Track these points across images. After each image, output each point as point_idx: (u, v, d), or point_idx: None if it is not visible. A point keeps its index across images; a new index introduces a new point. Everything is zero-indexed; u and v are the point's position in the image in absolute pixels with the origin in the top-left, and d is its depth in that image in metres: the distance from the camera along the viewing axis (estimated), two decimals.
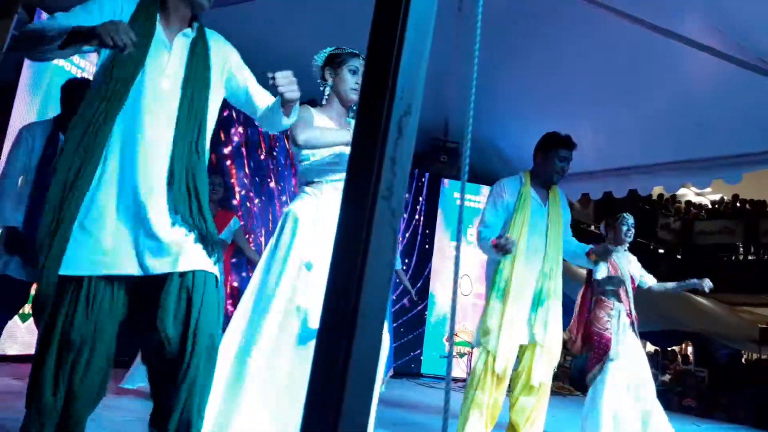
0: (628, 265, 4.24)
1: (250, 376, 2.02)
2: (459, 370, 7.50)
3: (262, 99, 2.02)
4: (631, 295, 4.14)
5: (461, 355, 7.53)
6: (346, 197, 0.86)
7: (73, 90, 3.22)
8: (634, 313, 4.09)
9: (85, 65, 4.59)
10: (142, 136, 1.75)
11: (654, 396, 3.96)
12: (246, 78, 2.01)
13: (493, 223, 3.25)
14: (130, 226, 1.73)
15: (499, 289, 3.15)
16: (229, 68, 1.99)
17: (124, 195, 1.75)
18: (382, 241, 0.84)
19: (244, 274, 5.84)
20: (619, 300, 4.08)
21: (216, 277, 1.82)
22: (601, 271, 4.03)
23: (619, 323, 4.02)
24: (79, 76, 4.49)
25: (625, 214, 4.29)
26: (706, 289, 4.15)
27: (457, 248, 0.98)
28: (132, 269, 1.72)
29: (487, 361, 3.08)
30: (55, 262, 1.66)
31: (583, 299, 4.18)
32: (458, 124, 6.94)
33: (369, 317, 0.84)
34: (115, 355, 1.80)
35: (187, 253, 1.76)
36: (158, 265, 1.73)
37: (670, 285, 4.49)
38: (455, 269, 0.96)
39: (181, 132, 1.80)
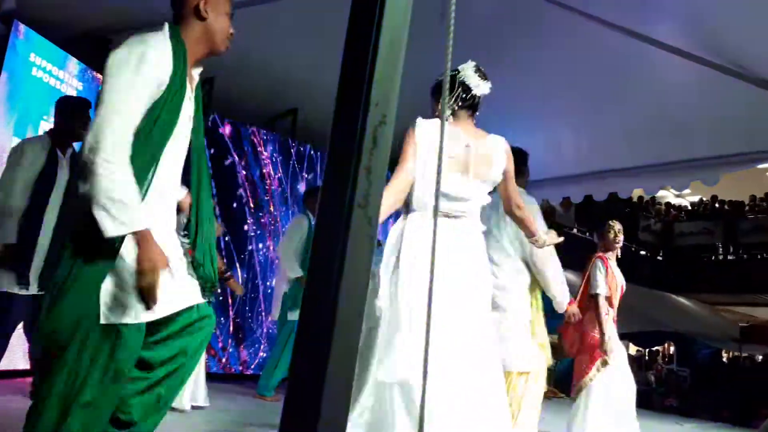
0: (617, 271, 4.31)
1: None
2: None
3: None
4: (617, 301, 4.20)
5: None
6: (323, 206, 0.88)
7: (71, 108, 3.30)
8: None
9: (64, 76, 4.56)
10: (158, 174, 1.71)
11: (633, 401, 4.03)
12: None
13: None
14: None
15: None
16: None
17: None
18: (359, 248, 0.86)
19: None
20: (611, 305, 4.14)
21: None
22: (600, 279, 4.08)
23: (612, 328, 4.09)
24: (58, 87, 4.48)
25: (610, 222, 4.36)
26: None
27: (432, 252, 1.00)
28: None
29: None
30: None
31: (580, 303, 4.18)
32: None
33: (346, 324, 0.85)
34: None
35: None
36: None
37: None
38: (430, 276, 0.97)
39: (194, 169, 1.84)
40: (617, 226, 4.32)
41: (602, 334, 3.96)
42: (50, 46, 4.42)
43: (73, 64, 4.67)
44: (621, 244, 4.35)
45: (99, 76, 4.97)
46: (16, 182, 3.09)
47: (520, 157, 3.24)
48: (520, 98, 5.50)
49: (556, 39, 4.67)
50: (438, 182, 1.00)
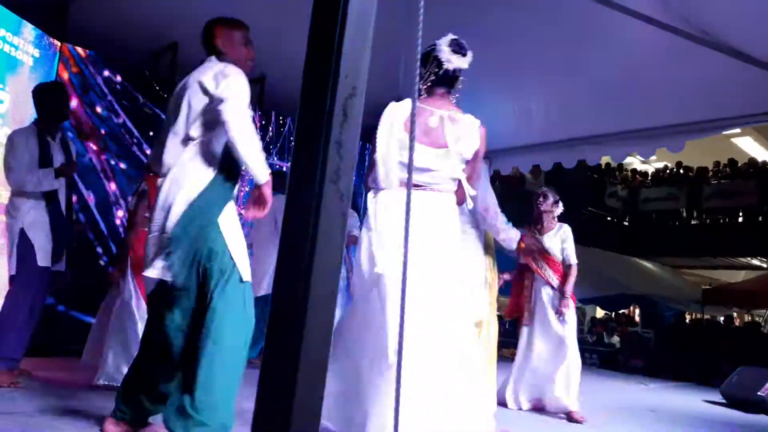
0: (550, 240, 4.34)
1: None
2: None
3: None
4: (546, 267, 4.25)
5: None
6: (293, 181, 0.85)
7: (46, 93, 3.46)
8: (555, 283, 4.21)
9: (19, 43, 4.36)
10: None
11: (569, 360, 4.04)
12: None
13: None
14: None
15: None
16: None
17: None
18: (331, 224, 0.84)
19: None
20: (532, 270, 4.26)
21: None
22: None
23: (535, 293, 4.23)
24: (13, 54, 4.30)
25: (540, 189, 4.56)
26: None
27: (406, 228, 0.98)
28: None
29: None
30: None
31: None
32: (406, 96, 6.90)
33: (320, 300, 0.84)
34: None
35: None
36: None
37: None
38: (404, 249, 0.96)
39: None
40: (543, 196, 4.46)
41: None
42: (3, 12, 4.22)
43: (29, 31, 4.47)
44: (555, 214, 4.46)
45: (56, 42, 4.77)
46: (22, 159, 3.22)
47: None
48: (489, 68, 5.47)
49: (524, 8, 4.64)
50: (411, 157, 0.99)
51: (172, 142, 2.22)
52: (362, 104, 0.87)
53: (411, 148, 1.02)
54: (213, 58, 2.31)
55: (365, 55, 0.86)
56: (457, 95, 2.56)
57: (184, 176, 2.17)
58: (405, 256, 1.07)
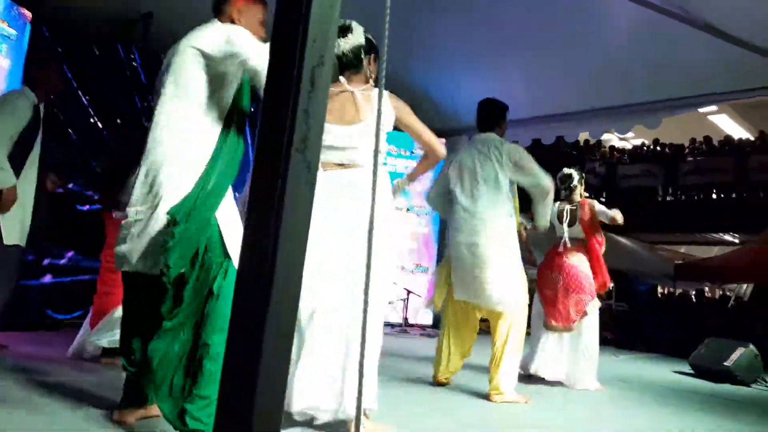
0: None
1: None
2: (396, 316, 7.68)
3: None
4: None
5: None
6: (259, 151, 0.85)
7: (49, 60, 3.51)
8: None
9: None
10: None
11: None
12: None
13: None
14: None
15: None
16: None
17: None
18: (298, 194, 0.84)
19: None
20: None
21: None
22: None
23: None
24: None
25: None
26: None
27: (372, 207, 0.99)
28: None
29: None
30: None
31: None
32: (392, 74, 6.87)
33: (287, 271, 0.84)
34: None
35: None
36: None
37: None
38: (369, 227, 0.97)
39: None
40: None
41: None
42: None
43: None
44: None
45: (27, 12, 4.63)
46: (10, 128, 3.09)
47: (500, 109, 3.72)
48: (469, 47, 5.47)
49: None
50: (377, 143, 0.99)
51: (165, 110, 2.07)
52: (330, 74, 0.86)
53: (377, 136, 1.02)
54: (215, 20, 2.19)
55: (333, 22, 0.85)
56: (372, 75, 2.56)
57: (184, 149, 2.03)
58: (370, 240, 1.07)
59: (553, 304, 4.35)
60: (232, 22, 2.18)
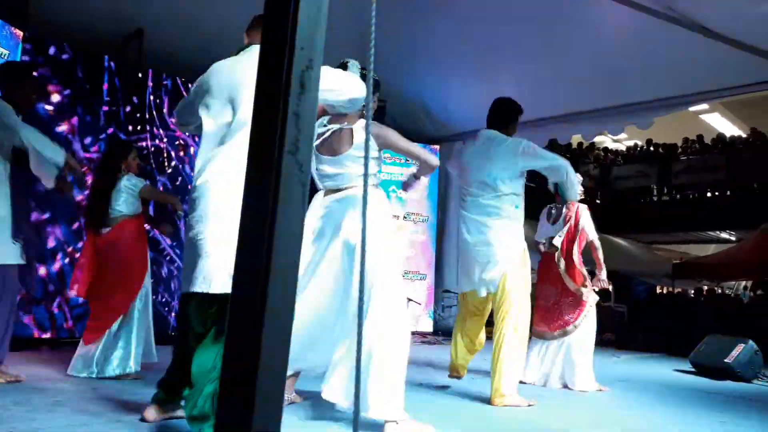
0: None
1: None
2: None
3: None
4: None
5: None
6: (252, 153, 0.86)
7: (22, 73, 3.29)
8: None
9: None
10: None
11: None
12: None
13: None
14: None
15: None
16: None
17: None
18: (291, 195, 0.85)
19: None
20: None
21: None
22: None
23: None
24: None
25: None
26: None
27: (363, 212, 1.00)
28: None
29: None
30: None
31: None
32: (385, 82, 6.92)
33: (282, 271, 0.85)
34: None
35: None
36: None
37: None
38: (362, 233, 0.97)
39: None
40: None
41: None
42: None
43: None
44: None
45: (18, 32, 4.65)
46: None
47: (513, 111, 3.80)
48: (461, 50, 5.51)
49: None
50: (366, 165, 1.01)
51: (237, 141, 2.15)
52: (319, 77, 0.87)
53: (366, 158, 1.03)
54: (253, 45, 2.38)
55: (321, 26, 0.87)
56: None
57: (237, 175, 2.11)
58: (363, 248, 1.08)
59: (547, 310, 4.38)
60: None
